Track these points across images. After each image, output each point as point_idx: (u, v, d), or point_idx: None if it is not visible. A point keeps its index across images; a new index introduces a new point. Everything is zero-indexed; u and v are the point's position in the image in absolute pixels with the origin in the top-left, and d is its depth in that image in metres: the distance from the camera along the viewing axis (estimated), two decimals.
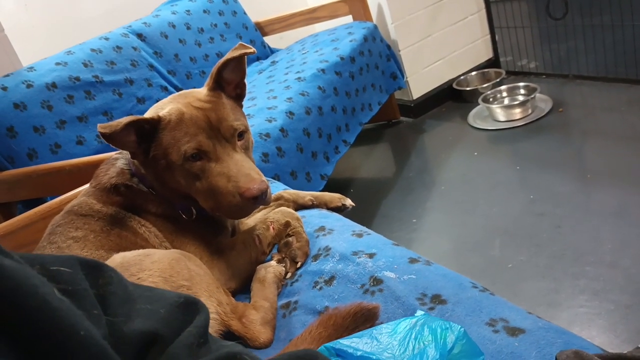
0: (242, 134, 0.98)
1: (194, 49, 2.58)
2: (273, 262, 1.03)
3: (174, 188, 0.98)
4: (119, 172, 1.02)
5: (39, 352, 0.36)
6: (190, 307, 0.52)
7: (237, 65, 1.01)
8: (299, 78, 2.12)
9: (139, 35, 2.42)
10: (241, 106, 1.05)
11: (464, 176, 2.27)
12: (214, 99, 0.98)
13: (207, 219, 1.03)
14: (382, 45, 2.62)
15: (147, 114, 0.97)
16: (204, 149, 0.92)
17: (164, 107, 0.96)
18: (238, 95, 1.05)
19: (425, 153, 2.64)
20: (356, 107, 2.29)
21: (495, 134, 2.51)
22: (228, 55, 1.00)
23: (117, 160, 1.05)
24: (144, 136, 0.94)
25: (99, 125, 0.88)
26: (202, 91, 1.00)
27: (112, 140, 0.90)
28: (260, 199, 0.92)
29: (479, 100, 2.66)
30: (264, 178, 0.94)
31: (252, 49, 0.99)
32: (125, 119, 0.88)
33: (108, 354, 0.39)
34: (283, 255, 1.04)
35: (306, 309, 0.90)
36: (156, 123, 0.93)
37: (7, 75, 2.00)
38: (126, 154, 1.04)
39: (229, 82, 1.02)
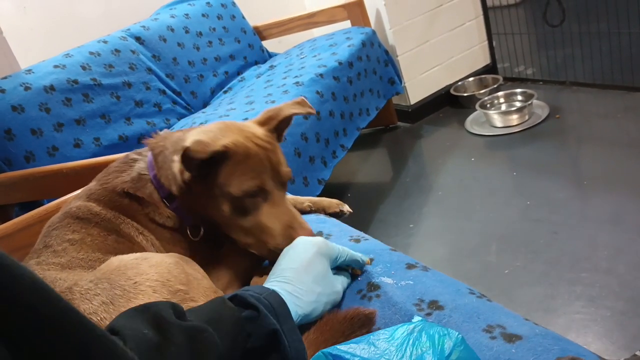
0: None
1: (193, 53, 2.58)
2: None
3: (204, 212, 0.94)
4: (134, 179, 0.95)
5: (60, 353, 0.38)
6: None
7: (291, 118, 1.01)
8: (297, 83, 2.12)
9: (138, 39, 2.42)
10: None
11: (460, 182, 2.28)
12: (272, 141, 0.96)
13: (210, 237, 1.00)
14: (380, 50, 2.63)
15: (195, 137, 0.87)
16: (266, 189, 0.91)
17: (223, 136, 0.90)
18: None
19: (423, 158, 2.64)
20: (354, 112, 2.30)
21: (492, 140, 2.52)
22: (294, 110, 0.99)
23: (136, 162, 0.97)
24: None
25: (193, 142, 0.82)
26: (257, 129, 0.97)
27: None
28: None
29: (476, 106, 2.67)
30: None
31: (314, 110, 1.00)
32: (220, 141, 0.86)
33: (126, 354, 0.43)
34: None
35: None
36: (223, 153, 0.88)
37: (5, 78, 2.00)
38: (145, 155, 0.98)
39: (280, 129, 1.02)
